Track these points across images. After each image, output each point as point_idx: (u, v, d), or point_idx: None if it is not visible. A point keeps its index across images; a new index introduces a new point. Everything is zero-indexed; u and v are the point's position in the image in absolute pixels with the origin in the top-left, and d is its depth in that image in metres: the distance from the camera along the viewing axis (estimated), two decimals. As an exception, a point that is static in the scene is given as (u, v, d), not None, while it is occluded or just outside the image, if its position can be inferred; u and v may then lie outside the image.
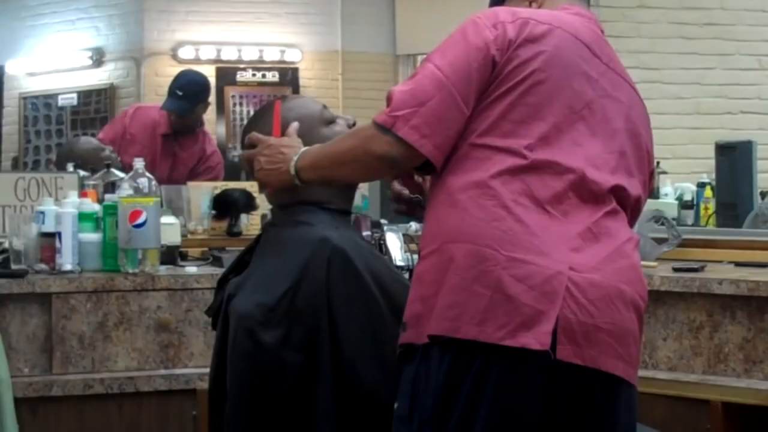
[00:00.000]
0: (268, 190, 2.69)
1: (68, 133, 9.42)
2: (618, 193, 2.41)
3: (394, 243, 3.82)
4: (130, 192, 3.83)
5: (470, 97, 2.35)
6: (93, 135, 9.60)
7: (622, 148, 2.45)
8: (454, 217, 2.33)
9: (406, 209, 2.79)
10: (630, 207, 2.45)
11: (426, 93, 2.35)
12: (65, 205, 3.88)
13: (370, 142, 2.39)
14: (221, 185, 4.65)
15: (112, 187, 4.27)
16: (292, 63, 9.40)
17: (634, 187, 2.45)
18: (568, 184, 2.34)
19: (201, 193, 4.60)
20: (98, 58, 9.76)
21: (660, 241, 3.98)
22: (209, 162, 6.11)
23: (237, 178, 5.32)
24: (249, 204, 4.36)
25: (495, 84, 2.36)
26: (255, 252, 2.72)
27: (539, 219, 2.30)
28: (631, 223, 2.48)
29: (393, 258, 3.78)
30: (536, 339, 2.21)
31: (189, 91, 5.98)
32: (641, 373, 2.92)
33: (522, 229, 2.28)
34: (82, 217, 3.87)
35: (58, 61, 9.79)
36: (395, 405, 2.37)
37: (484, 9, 2.55)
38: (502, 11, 2.47)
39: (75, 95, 9.82)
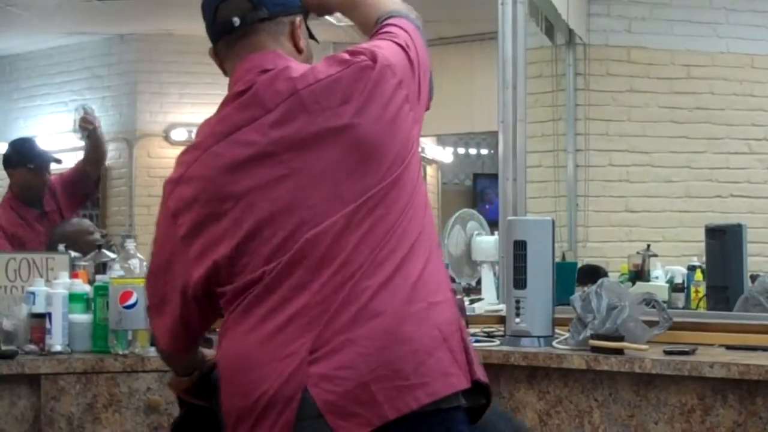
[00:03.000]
0: None
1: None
2: None
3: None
4: (121, 273, 3.82)
5: None
6: (84, 216, 9.66)
7: None
8: None
9: None
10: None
11: None
12: (56, 286, 3.87)
13: None
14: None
15: (103, 267, 4.27)
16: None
17: None
18: None
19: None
20: (91, 139, 9.79)
21: (651, 324, 3.97)
22: None
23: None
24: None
25: None
26: None
27: None
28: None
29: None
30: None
31: None
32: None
33: None
34: (73, 297, 3.87)
35: (51, 142, 9.81)
36: None
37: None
38: None
39: (67, 176, 9.83)
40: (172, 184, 2.46)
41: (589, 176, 7.82)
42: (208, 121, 2.49)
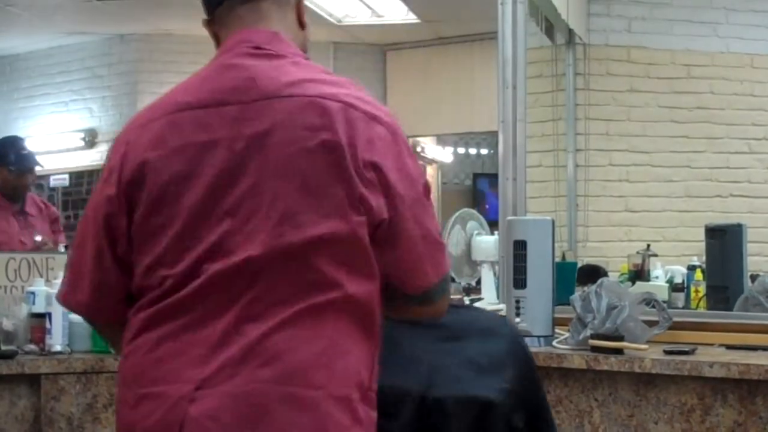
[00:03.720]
0: None
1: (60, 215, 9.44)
2: None
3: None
4: (121, 273, 3.82)
5: None
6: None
7: None
8: None
9: None
10: None
11: None
12: (56, 286, 3.86)
13: None
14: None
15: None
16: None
17: None
18: None
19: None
20: (91, 139, 9.83)
21: (651, 324, 3.98)
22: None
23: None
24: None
25: None
26: None
27: None
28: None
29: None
30: None
31: None
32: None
33: None
34: (73, 297, 3.87)
35: (51, 142, 9.84)
36: None
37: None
38: None
39: (67, 176, 9.88)
40: None
41: (589, 176, 7.82)
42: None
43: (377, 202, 2.06)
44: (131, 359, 2.13)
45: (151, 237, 2.13)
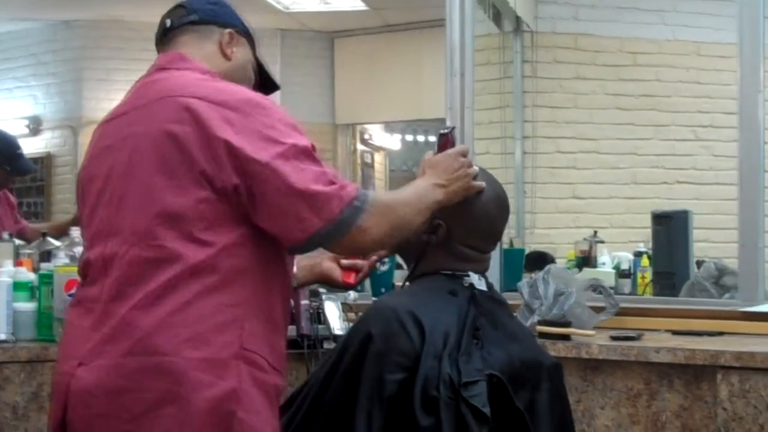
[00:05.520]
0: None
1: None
2: None
3: (332, 312, 3.81)
4: (66, 261, 3.79)
5: None
6: (29, 204, 9.59)
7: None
8: None
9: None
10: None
11: None
12: (0, 274, 3.84)
13: None
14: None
15: (47, 256, 4.24)
16: (232, 132, 9.36)
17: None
18: None
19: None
20: (35, 126, 9.73)
21: (597, 310, 4.00)
22: None
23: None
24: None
25: None
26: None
27: None
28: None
29: (331, 326, 3.78)
30: None
31: None
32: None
33: None
34: (17, 286, 3.83)
35: (-6, 129, 9.72)
36: None
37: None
38: None
39: (11, 164, 9.74)
40: None
41: (536, 163, 7.84)
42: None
43: (222, 174, 2.34)
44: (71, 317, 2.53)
45: (82, 227, 2.58)
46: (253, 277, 2.40)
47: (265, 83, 2.79)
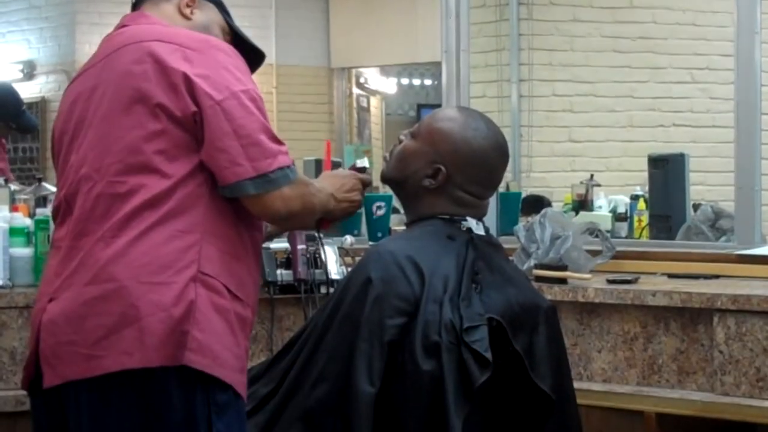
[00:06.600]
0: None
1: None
2: None
3: (329, 256, 3.81)
4: (62, 206, 3.77)
5: None
6: (24, 149, 9.57)
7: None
8: None
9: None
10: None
11: None
12: (-3, 220, 3.83)
13: None
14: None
15: (43, 201, 4.22)
16: (227, 76, 9.33)
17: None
18: None
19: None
20: (29, 71, 9.69)
21: (594, 254, 4.00)
22: None
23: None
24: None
25: None
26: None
27: None
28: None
29: (329, 271, 3.78)
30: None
31: None
32: (577, 385, 2.94)
33: None
34: (13, 231, 3.82)
35: (-13, 74, 9.69)
36: None
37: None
38: None
39: (6, 108, 9.70)
40: None
41: (532, 106, 7.83)
42: None
43: (180, 103, 2.43)
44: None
45: (57, 178, 2.65)
46: (206, 202, 2.47)
47: (249, 55, 2.77)
